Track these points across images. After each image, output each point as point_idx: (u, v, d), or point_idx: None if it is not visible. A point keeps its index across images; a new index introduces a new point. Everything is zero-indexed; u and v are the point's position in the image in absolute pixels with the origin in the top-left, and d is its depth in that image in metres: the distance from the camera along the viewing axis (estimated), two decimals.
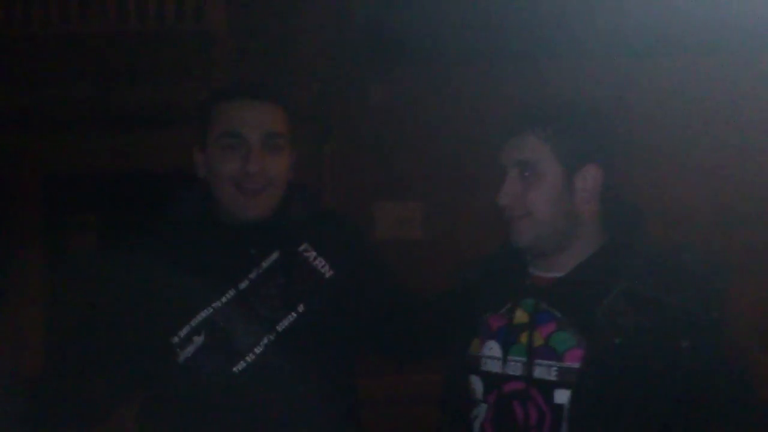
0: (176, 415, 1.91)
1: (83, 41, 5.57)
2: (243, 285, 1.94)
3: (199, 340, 1.91)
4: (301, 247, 2.03)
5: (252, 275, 1.95)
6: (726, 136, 5.12)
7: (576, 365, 1.73)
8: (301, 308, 1.96)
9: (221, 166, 1.93)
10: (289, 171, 2.01)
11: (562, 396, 1.75)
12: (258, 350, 1.91)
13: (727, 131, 5.12)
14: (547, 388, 1.76)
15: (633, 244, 1.82)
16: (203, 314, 1.92)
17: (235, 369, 1.88)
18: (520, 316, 1.84)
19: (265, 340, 1.92)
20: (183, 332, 1.91)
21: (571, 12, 5.07)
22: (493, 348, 1.86)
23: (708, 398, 1.73)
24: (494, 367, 1.85)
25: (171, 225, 2.02)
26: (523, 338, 1.81)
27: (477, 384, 1.88)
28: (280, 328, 1.94)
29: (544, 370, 1.79)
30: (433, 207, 5.33)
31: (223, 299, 1.94)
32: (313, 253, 2.04)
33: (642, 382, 1.68)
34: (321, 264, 2.04)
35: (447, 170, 5.29)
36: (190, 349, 1.91)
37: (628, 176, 1.88)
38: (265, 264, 1.97)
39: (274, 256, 1.99)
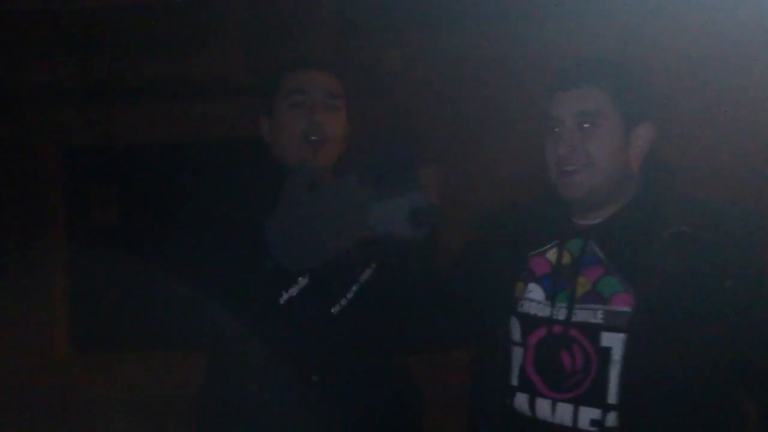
0: (275, 354, 2.06)
1: (101, 14, 5.59)
2: None
3: (303, 281, 2.07)
4: None
5: None
6: (755, 94, 5.07)
7: (625, 309, 1.77)
8: (373, 265, 2.18)
9: (290, 119, 2.18)
10: (344, 134, 2.23)
11: (608, 339, 1.79)
12: (349, 296, 2.11)
13: (756, 89, 5.07)
14: (593, 331, 1.81)
15: (669, 193, 1.87)
16: None
17: (333, 310, 2.09)
18: (566, 257, 1.88)
19: (354, 288, 2.12)
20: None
21: None
22: (534, 290, 1.92)
23: (755, 339, 1.77)
24: (534, 309, 1.91)
25: (246, 180, 2.22)
26: (571, 283, 1.85)
27: (515, 326, 1.94)
28: (362, 279, 2.16)
29: (590, 314, 1.83)
30: (450, 172, 5.35)
31: None
32: None
33: (691, 323, 1.74)
34: None
35: (463, 136, 5.30)
36: (294, 290, 2.07)
37: (665, 135, 1.94)
38: None
39: None
